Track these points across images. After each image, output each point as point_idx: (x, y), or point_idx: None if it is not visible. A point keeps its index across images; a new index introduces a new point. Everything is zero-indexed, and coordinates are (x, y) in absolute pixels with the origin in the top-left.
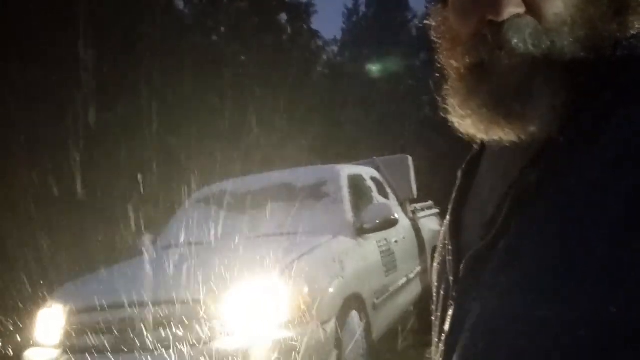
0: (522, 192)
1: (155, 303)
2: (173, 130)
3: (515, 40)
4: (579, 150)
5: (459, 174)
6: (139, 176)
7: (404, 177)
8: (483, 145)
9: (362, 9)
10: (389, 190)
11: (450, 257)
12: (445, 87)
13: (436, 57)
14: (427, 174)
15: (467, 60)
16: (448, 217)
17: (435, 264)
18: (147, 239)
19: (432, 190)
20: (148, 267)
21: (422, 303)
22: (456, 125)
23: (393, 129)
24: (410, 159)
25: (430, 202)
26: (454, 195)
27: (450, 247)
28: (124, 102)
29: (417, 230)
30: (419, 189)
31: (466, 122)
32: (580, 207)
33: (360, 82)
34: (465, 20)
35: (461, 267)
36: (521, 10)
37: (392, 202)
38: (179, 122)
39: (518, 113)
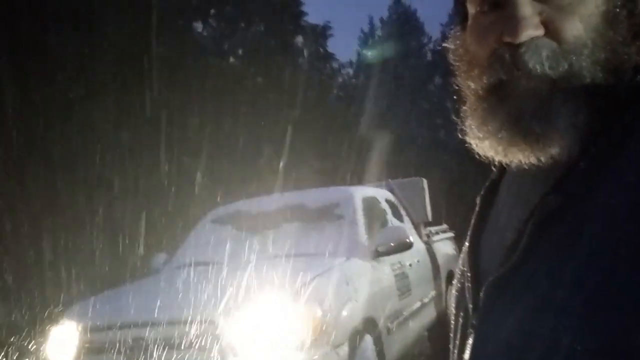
0: (543, 217)
1: (168, 323)
2: (188, 150)
3: (533, 62)
4: (599, 174)
5: (478, 200)
6: (152, 190)
7: (419, 200)
8: (501, 170)
9: (378, 32)
10: (403, 212)
11: (469, 284)
12: (463, 109)
13: (453, 79)
14: (442, 197)
15: (485, 81)
16: (466, 244)
17: (453, 291)
18: (160, 258)
19: (447, 213)
20: (161, 287)
21: (437, 328)
22: (474, 147)
23: (408, 151)
24: (424, 181)
25: (445, 226)
26: (472, 221)
27: (468, 274)
28: (140, 123)
29: (431, 253)
30: (433, 212)
31: (484, 144)
32: (602, 233)
33: (375, 104)
34: (483, 42)
35: (481, 294)
36: (540, 32)
37: (407, 225)
38: (194, 142)
39: (537, 133)
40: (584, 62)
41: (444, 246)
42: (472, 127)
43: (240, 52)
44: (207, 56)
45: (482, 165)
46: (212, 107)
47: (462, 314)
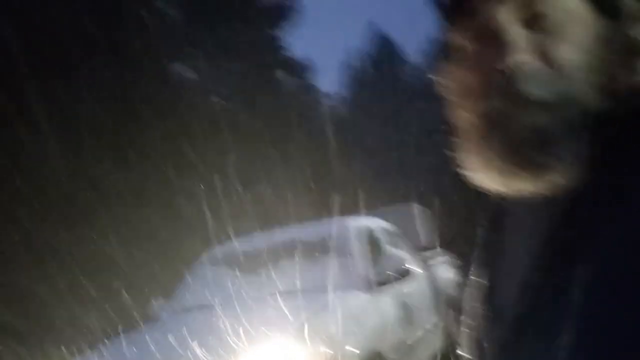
0: (559, 252)
1: None
2: (179, 191)
3: (528, 88)
4: (613, 206)
5: (481, 232)
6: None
7: (411, 226)
8: (503, 199)
9: (359, 62)
10: (399, 240)
11: (486, 323)
12: (458, 140)
13: (441, 106)
14: (436, 220)
15: (479, 111)
16: (475, 279)
17: (465, 330)
18: (158, 304)
19: (442, 236)
20: (161, 334)
21: (442, 354)
22: (471, 178)
23: (399, 177)
24: (417, 207)
25: (441, 250)
26: (479, 254)
27: (484, 312)
28: (128, 165)
29: (430, 279)
30: (429, 237)
31: (482, 175)
32: (621, 263)
33: (362, 133)
34: (473, 72)
35: (502, 333)
36: (531, 58)
37: (404, 253)
38: (183, 182)
39: (538, 162)
40: (579, 85)
41: (443, 270)
42: (468, 158)
43: (223, 90)
44: (191, 96)
45: (477, 187)
46: (199, 146)
47: (480, 354)
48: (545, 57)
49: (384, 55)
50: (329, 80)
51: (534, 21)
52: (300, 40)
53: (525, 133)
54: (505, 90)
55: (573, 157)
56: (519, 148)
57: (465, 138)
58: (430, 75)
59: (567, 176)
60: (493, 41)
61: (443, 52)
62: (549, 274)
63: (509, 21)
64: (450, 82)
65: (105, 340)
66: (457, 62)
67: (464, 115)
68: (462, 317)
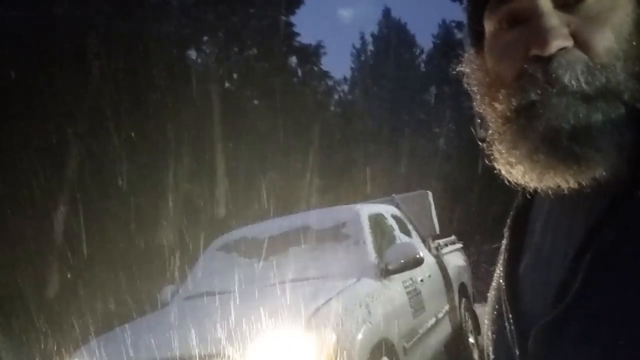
0: (601, 253)
1: (179, 358)
2: (190, 177)
3: (568, 77)
4: None
5: (506, 232)
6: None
7: (425, 214)
8: (527, 196)
9: (370, 47)
10: (410, 227)
11: (513, 327)
12: (489, 133)
13: (469, 103)
14: (446, 207)
15: (514, 102)
16: (501, 281)
17: (489, 333)
18: (168, 290)
19: (452, 222)
20: (171, 321)
21: (454, 342)
22: (504, 173)
23: (408, 163)
24: (430, 194)
25: (453, 237)
26: (504, 255)
27: (510, 316)
28: (140, 152)
29: (442, 267)
30: (439, 223)
31: (516, 169)
32: None
33: (372, 119)
34: (508, 60)
35: (530, 338)
36: (569, 43)
37: (415, 240)
38: (195, 169)
39: (578, 155)
40: (620, 75)
41: (454, 258)
42: (502, 152)
43: (235, 76)
44: (203, 82)
45: (485, 173)
46: (211, 133)
47: (505, 358)
48: (584, 44)
49: (394, 39)
50: (342, 66)
51: (572, 6)
52: (312, 26)
53: (563, 125)
54: (545, 80)
55: (615, 150)
56: (557, 140)
57: (497, 131)
58: (445, 62)
59: (608, 171)
60: (528, 27)
61: (471, 40)
62: (587, 276)
63: (546, 5)
64: (480, 72)
65: (116, 327)
66: (487, 50)
67: (495, 107)
68: (486, 319)
